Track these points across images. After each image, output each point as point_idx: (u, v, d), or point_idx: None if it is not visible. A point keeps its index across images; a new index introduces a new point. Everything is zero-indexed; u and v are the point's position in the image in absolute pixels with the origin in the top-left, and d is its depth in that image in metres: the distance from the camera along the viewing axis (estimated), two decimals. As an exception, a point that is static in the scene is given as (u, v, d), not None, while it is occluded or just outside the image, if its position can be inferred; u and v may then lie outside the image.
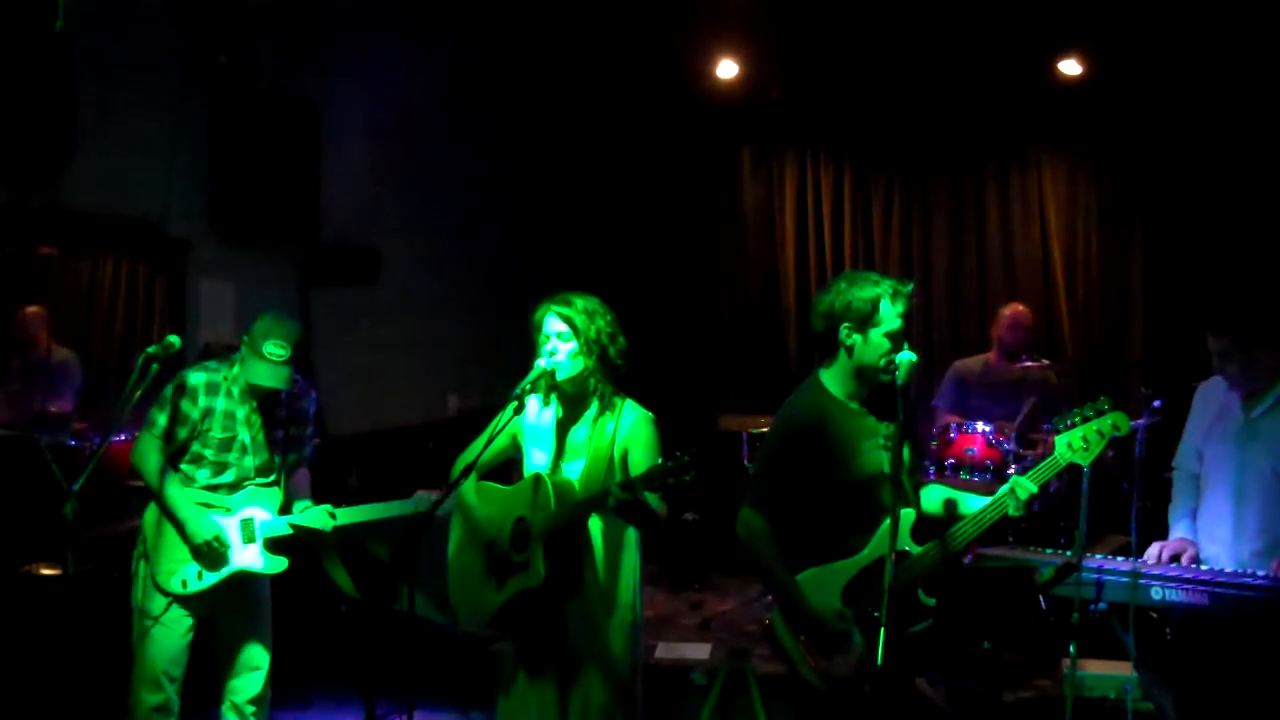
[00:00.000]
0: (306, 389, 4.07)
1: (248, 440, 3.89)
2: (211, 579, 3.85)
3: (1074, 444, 3.14)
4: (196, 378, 3.85)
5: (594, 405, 3.43)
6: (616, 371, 3.45)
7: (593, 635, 3.39)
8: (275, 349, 3.77)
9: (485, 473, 3.57)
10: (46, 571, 4.72)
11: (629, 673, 3.44)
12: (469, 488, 3.52)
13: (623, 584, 3.44)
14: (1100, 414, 3.15)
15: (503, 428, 3.41)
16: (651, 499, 3.22)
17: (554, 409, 3.49)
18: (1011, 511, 3.12)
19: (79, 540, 4.36)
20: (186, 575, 3.83)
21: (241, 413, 3.88)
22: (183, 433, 3.82)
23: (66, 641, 4.52)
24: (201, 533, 3.79)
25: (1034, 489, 3.11)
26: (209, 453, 3.85)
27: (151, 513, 3.88)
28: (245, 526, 3.89)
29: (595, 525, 3.41)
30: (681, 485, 3.06)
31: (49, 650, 4.49)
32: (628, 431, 3.41)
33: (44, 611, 4.56)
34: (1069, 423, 3.17)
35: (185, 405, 3.82)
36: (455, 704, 4.81)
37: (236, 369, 3.89)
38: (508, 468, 3.61)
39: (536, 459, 3.50)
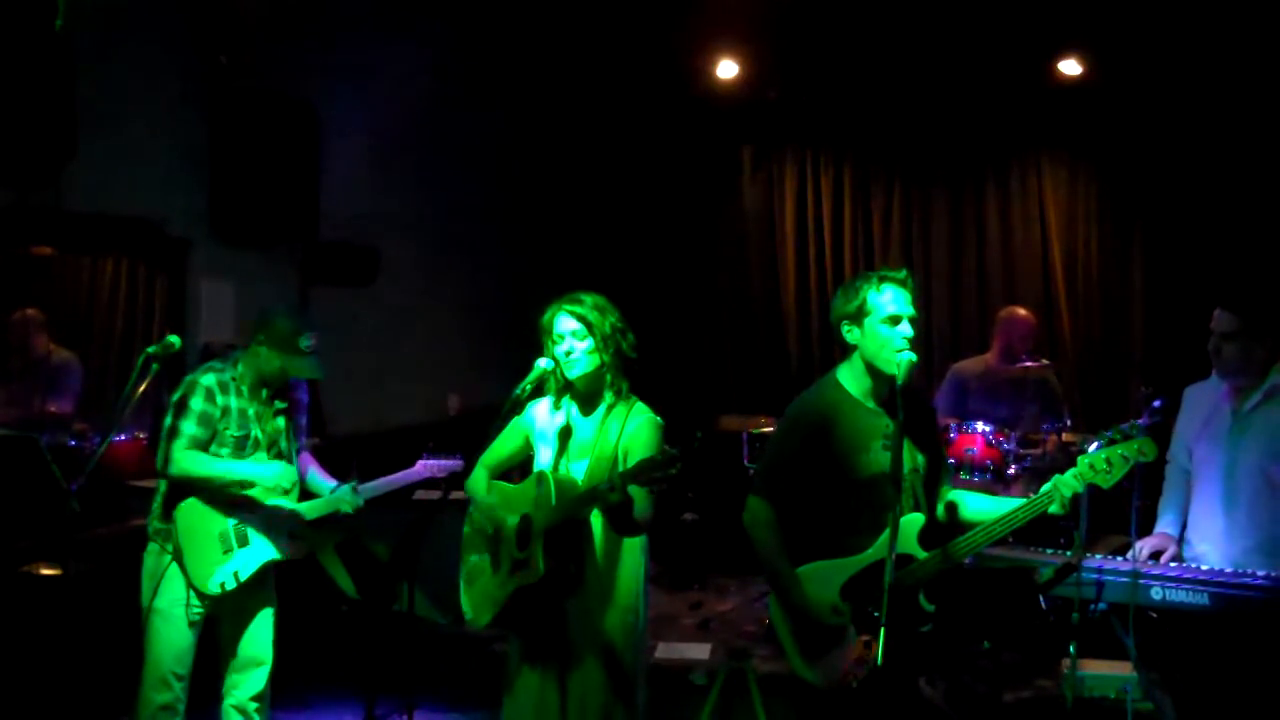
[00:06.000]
0: (299, 380, 4.11)
1: (260, 436, 3.93)
2: (248, 574, 3.87)
3: (1097, 465, 3.11)
4: (208, 379, 3.86)
5: (605, 403, 3.45)
6: (629, 366, 3.47)
7: (593, 633, 3.40)
8: (309, 342, 3.88)
9: (500, 472, 3.62)
10: (46, 571, 4.72)
11: (630, 672, 3.44)
12: (480, 485, 3.56)
13: (624, 583, 3.45)
14: (1128, 438, 3.13)
15: (502, 428, 3.40)
16: (638, 501, 3.22)
17: (565, 408, 3.51)
18: (1054, 510, 3.11)
19: (79, 540, 4.36)
20: (224, 577, 3.85)
21: (252, 410, 3.92)
22: (205, 434, 3.83)
23: (66, 641, 4.52)
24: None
25: (1080, 488, 3.10)
26: (225, 452, 3.87)
27: (182, 516, 3.84)
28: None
29: (598, 523, 3.41)
30: (668, 479, 3.05)
31: (49, 650, 4.49)
32: (631, 433, 3.42)
33: (44, 611, 4.56)
34: (1096, 444, 3.15)
35: (206, 407, 3.83)
36: (455, 704, 4.81)
37: (241, 367, 3.92)
38: (525, 467, 3.62)
39: (544, 457, 3.52)
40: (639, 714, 3.47)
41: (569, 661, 3.40)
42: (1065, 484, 3.11)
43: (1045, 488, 3.15)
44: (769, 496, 3.29)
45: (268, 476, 3.85)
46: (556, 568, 3.30)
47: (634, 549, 3.47)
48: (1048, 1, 6.72)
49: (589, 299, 3.46)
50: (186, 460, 3.80)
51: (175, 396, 3.86)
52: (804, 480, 3.25)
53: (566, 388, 3.48)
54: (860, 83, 7.56)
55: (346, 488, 4.02)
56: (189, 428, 3.80)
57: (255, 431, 3.92)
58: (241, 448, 3.89)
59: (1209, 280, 6.49)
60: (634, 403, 3.48)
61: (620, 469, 3.35)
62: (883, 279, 3.25)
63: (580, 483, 3.38)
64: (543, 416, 3.55)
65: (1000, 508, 3.22)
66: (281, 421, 4.00)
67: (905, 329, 3.20)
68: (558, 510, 3.29)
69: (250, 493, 3.87)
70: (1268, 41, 6.23)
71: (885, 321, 3.20)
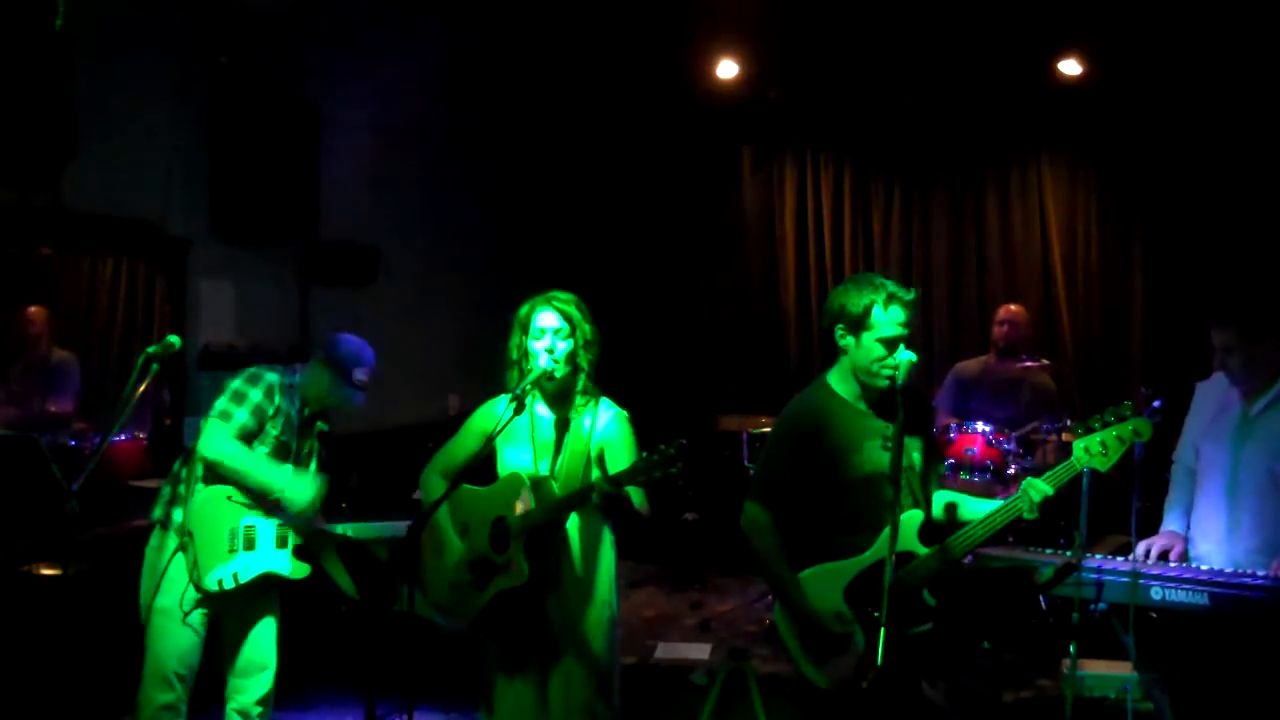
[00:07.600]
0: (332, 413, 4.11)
1: (294, 446, 3.93)
2: (246, 578, 3.86)
3: (1092, 449, 3.09)
4: (272, 376, 3.89)
5: (574, 402, 3.45)
6: (596, 367, 3.48)
7: (572, 630, 3.41)
8: (362, 377, 3.95)
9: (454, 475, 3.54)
10: (46, 571, 4.72)
11: (608, 668, 3.46)
12: (438, 493, 3.44)
13: (600, 579, 3.46)
14: (1122, 419, 3.10)
15: (503, 428, 3.37)
16: (635, 495, 3.22)
17: (530, 406, 3.48)
18: (1026, 514, 3.10)
19: (79, 540, 4.36)
20: (223, 575, 3.83)
21: (297, 421, 3.94)
22: (254, 426, 3.83)
23: (66, 641, 4.52)
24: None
25: (1049, 491, 3.09)
26: (265, 451, 3.86)
27: (199, 504, 3.83)
28: (281, 530, 3.91)
29: (572, 521, 3.41)
30: (669, 479, 3.02)
31: (49, 650, 4.49)
32: (605, 430, 3.42)
33: (44, 611, 4.56)
34: (1089, 427, 3.12)
35: (264, 402, 3.84)
36: (455, 704, 4.81)
37: (299, 378, 3.96)
38: (481, 469, 3.55)
39: (513, 458, 3.49)
40: (617, 708, 3.48)
41: (551, 661, 3.41)
42: (1035, 488, 3.10)
43: (1016, 494, 3.15)
44: (766, 502, 3.28)
45: (292, 489, 3.83)
46: (540, 569, 3.30)
47: (607, 545, 3.48)
48: (1048, 1, 6.72)
49: (571, 297, 3.46)
50: (228, 446, 3.78)
51: (234, 383, 3.86)
52: (799, 484, 3.24)
53: (537, 386, 3.44)
54: (860, 83, 7.55)
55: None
56: (242, 416, 3.80)
57: (293, 442, 3.93)
58: (282, 453, 3.89)
59: (1209, 280, 6.49)
60: (601, 398, 3.47)
61: (595, 466, 3.33)
62: (891, 298, 3.17)
63: (554, 482, 3.36)
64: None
65: (997, 504, 3.23)
66: (318, 445, 4.01)
67: (901, 353, 3.16)
68: (539, 512, 3.28)
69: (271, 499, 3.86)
70: (1268, 42, 6.23)
71: (883, 341, 3.17)
